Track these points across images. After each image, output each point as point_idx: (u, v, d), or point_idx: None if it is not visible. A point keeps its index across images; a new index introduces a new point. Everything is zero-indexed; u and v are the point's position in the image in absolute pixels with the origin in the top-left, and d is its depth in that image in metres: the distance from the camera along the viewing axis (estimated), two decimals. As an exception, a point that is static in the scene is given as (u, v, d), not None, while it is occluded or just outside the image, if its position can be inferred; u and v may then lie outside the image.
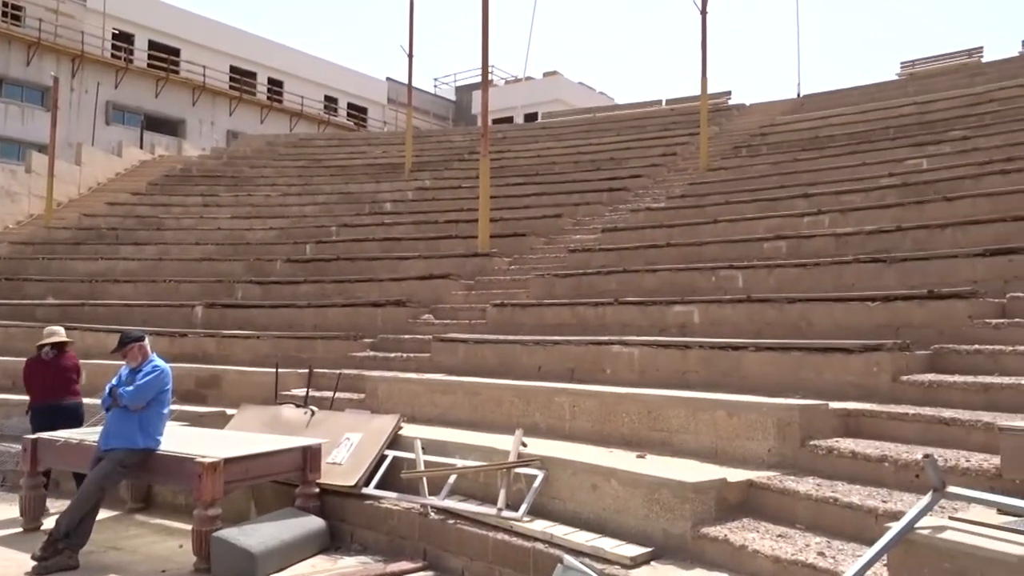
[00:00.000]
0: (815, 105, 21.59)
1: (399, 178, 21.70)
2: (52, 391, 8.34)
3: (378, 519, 6.75)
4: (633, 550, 5.17)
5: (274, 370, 9.41)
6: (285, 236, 17.60)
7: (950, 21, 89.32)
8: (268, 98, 38.61)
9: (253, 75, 38.66)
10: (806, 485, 5.36)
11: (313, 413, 8.17)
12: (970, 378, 6.39)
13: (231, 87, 36.99)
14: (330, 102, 42.24)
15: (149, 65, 34.45)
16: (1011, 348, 6.67)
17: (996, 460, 4.85)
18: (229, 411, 9.03)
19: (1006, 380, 6.15)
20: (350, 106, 43.40)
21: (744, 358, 7.65)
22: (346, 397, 9.24)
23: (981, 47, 24.35)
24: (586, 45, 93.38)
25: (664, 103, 27.59)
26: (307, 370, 9.37)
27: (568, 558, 5.08)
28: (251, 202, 21.17)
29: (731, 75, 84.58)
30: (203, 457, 6.30)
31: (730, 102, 24.95)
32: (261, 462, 6.79)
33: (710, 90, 18.25)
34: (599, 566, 5.05)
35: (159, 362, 6.95)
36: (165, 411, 6.90)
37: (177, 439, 7.04)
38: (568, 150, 22.07)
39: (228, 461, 6.37)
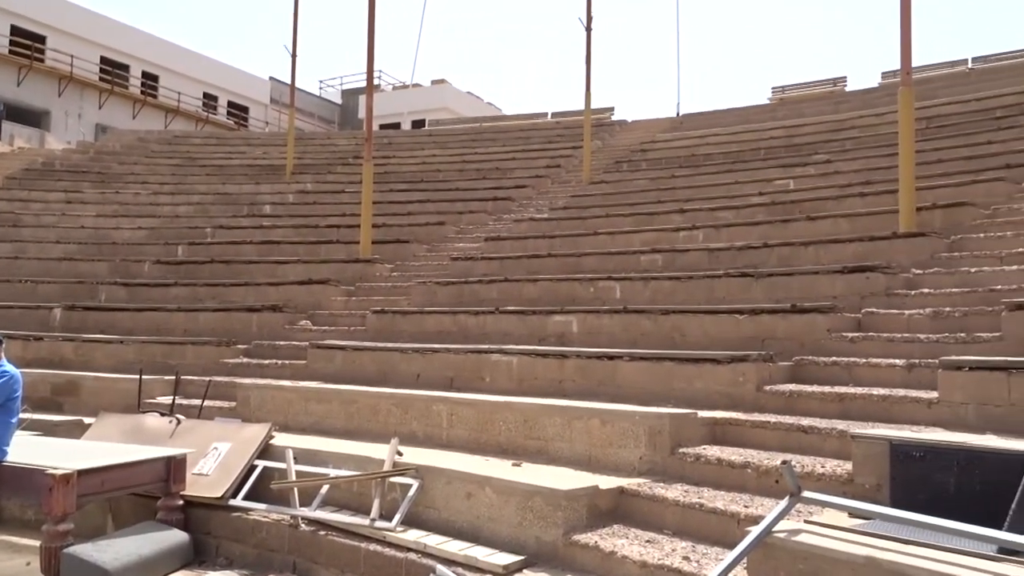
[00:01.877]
0: (693, 124, 22.38)
1: (280, 180, 21.19)
2: None
3: (246, 531, 6.53)
4: (506, 558, 5.19)
5: (138, 377, 8.99)
6: (155, 237, 16.87)
7: (817, 51, 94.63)
8: (142, 92, 36.77)
9: (126, 67, 36.81)
10: (674, 491, 5.50)
11: (179, 422, 7.84)
12: (827, 388, 6.73)
13: (101, 79, 35.09)
14: (209, 100, 40.69)
15: (11, 51, 32.34)
16: (864, 360, 7.07)
17: (848, 466, 5.12)
18: (87, 420, 8.58)
19: (859, 391, 6.51)
20: (231, 104, 41.94)
21: (619, 367, 7.81)
22: (216, 405, 8.93)
23: (845, 77, 25.70)
24: (475, 55, 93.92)
25: (550, 116, 27.97)
26: (174, 377, 9.00)
27: (440, 568, 5.05)
28: (119, 200, 20.18)
29: (615, 91, 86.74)
30: (54, 468, 5.95)
31: (613, 118, 25.54)
32: (119, 473, 6.46)
33: (594, 105, 18.67)
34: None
35: (8, 367, 6.50)
36: (13, 420, 6.47)
37: (27, 449, 6.62)
38: (454, 158, 22.09)
39: (82, 473, 6.04)
